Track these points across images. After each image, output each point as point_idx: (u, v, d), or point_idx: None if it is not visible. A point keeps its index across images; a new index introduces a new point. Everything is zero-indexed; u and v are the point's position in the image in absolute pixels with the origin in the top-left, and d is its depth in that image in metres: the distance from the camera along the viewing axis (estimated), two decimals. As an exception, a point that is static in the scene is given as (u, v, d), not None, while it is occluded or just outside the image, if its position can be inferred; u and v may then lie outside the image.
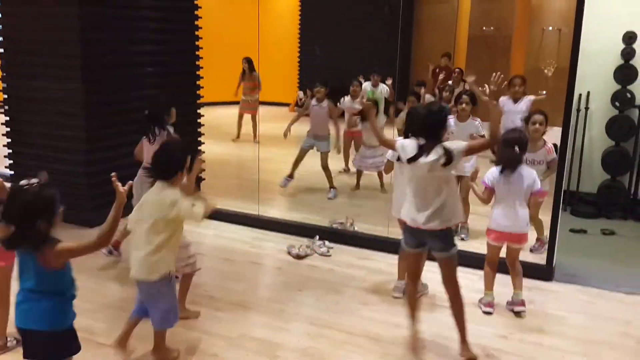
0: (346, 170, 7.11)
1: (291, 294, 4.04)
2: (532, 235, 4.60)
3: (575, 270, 4.48)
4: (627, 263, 4.77)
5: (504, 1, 11.67)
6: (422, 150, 3.04)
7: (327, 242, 4.87)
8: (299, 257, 4.65)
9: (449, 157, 2.99)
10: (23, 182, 2.30)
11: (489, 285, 3.86)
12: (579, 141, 6.05)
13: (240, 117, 8.98)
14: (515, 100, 5.09)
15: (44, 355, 2.40)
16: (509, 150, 3.62)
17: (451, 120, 4.70)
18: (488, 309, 3.78)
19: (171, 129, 4.14)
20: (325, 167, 6.33)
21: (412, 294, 3.38)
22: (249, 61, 9.00)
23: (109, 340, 3.15)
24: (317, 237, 4.93)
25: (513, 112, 4.91)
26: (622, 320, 3.75)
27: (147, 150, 3.99)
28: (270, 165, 6.72)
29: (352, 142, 6.82)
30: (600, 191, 6.02)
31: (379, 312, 3.78)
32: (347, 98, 6.72)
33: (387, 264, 4.47)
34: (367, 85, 7.16)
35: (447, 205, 3.08)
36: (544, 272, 4.31)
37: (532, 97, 5.08)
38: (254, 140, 8.53)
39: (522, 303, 3.79)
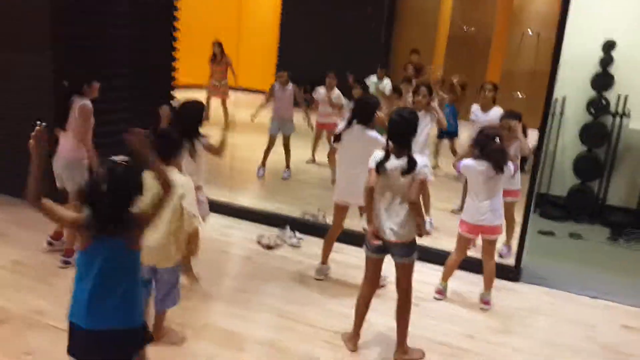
0: (312, 160, 7.06)
1: (259, 284, 3.98)
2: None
3: (542, 272, 4.52)
4: (593, 267, 4.83)
5: (485, 2, 11.72)
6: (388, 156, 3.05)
7: (297, 233, 4.81)
8: (268, 247, 4.59)
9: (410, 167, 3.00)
10: (114, 158, 2.15)
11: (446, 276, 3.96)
12: (551, 145, 6.11)
13: (207, 100, 8.86)
14: (485, 108, 5.06)
15: (134, 349, 2.24)
16: (497, 145, 3.62)
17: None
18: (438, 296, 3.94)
19: (88, 103, 3.97)
20: (286, 147, 6.47)
21: (366, 296, 3.29)
22: (219, 45, 8.86)
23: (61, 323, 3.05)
24: (288, 227, 4.86)
25: (482, 122, 4.82)
26: (587, 325, 3.80)
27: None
28: (242, 153, 6.63)
29: (322, 134, 6.79)
30: (570, 195, 6.09)
31: (347, 306, 3.72)
32: (322, 89, 6.68)
33: (357, 258, 4.39)
34: (372, 78, 7.20)
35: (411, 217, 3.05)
36: (511, 273, 4.33)
37: (500, 110, 4.90)
38: (224, 127, 8.40)
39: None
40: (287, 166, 6.52)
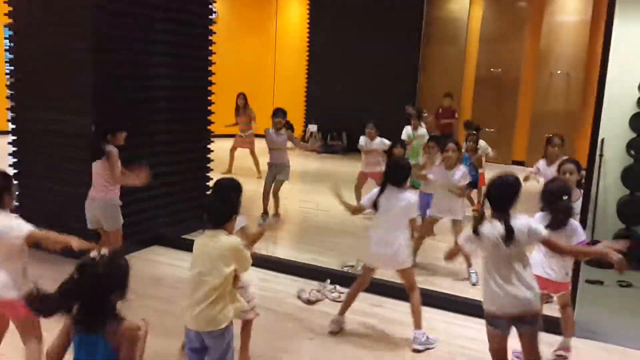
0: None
1: (301, 343, 3.88)
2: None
3: (594, 325, 4.31)
4: (647, 318, 4.62)
5: (511, 44, 11.75)
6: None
7: (338, 287, 4.71)
8: (309, 302, 4.49)
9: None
10: (93, 254, 2.15)
11: None
12: (593, 189, 5.95)
13: (232, 150, 8.98)
14: (551, 162, 5.01)
15: None
16: (562, 202, 3.49)
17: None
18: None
19: (115, 151, 4.32)
20: (275, 194, 6.44)
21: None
22: (243, 97, 9.03)
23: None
24: (328, 281, 4.78)
25: (548, 176, 4.79)
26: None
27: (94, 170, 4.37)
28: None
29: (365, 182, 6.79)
30: (616, 240, 5.89)
31: (394, 365, 3.62)
32: (363, 138, 6.74)
33: (400, 312, 4.32)
34: (407, 129, 7.32)
35: None
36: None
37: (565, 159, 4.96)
38: (257, 176, 8.48)
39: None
40: (275, 213, 6.52)
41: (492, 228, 2.88)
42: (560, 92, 11.56)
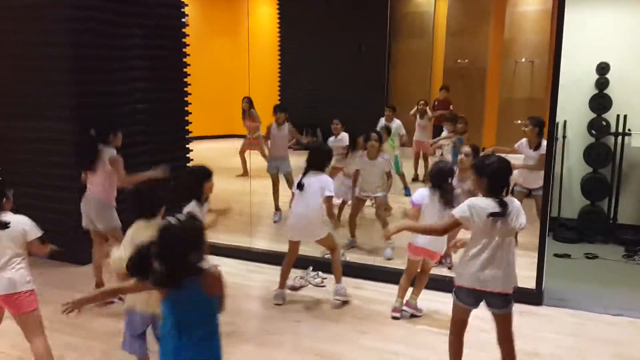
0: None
1: (289, 325, 4.07)
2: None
3: (563, 294, 4.60)
4: (612, 286, 4.91)
5: (477, 35, 12.08)
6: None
7: (320, 273, 4.92)
8: (293, 288, 4.69)
9: None
10: (170, 218, 2.26)
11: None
12: (557, 168, 6.26)
13: (241, 153, 9.02)
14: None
15: None
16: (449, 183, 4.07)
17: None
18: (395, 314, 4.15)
19: (114, 152, 4.40)
20: (291, 185, 6.55)
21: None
22: (248, 100, 9.10)
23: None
24: (311, 268, 4.97)
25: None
26: (613, 341, 3.87)
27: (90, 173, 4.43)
28: (259, 198, 6.78)
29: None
30: (580, 216, 6.21)
31: (378, 340, 3.83)
32: (331, 137, 7.00)
33: (380, 293, 4.56)
34: (381, 121, 7.47)
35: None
36: (534, 297, 4.41)
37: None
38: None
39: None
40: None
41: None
42: (526, 80, 11.91)
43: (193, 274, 2.19)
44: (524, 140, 5.38)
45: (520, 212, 2.92)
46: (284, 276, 4.50)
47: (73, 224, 5.03)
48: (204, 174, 3.58)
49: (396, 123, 7.63)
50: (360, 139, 6.68)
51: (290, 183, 6.61)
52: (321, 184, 4.28)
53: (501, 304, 2.96)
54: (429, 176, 4.22)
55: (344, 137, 6.90)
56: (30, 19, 5.11)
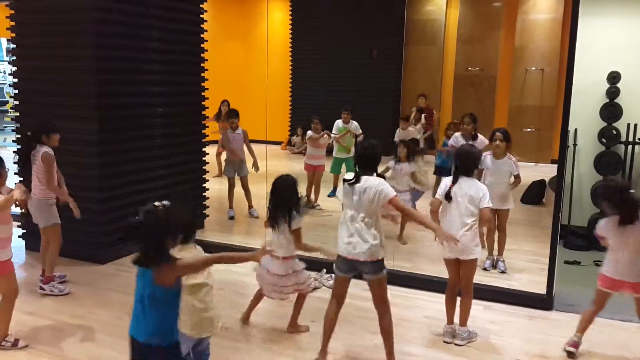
0: (310, 204, 7.34)
1: (305, 325, 4.17)
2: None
3: (572, 300, 4.67)
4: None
5: (487, 43, 12.19)
6: None
7: (333, 276, 4.99)
8: (308, 289, 4.78)
9: None
10: (156, 203, 2.42)
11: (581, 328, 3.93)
12: (568, 176, 6.33)
13: (218, 155, 9.07)
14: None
15: None
16: (628, 198, 3.76)
17: (487, 157, 5.15)
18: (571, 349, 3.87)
19: (48, 151, 4.45)
20: (245, 188, 6.99)
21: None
22: (228, 104, 9.18)
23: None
24: (324, 270, 5.07)
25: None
26: (620, 344, 3.95)
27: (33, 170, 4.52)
28: (263, 201, 6.91)
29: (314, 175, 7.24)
30: (590, 224, 6.26)
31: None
32: (310, 132, 7.38)
33: (391, 295, 4.63)
34: (339, 123, 7.57)
35: None
36: (544, 302, 4.50)
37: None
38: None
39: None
40: (250, 206, 7.06)
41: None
42: (536, 88, 12.01)
43: (163, 260, 2.36)
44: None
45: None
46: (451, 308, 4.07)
47: (96, 222, 5.18)
48: (294, 183, 3.88)
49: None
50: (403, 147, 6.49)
51: (246, 185, 6.95)
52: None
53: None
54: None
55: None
56: (58, 22, 5.24)
